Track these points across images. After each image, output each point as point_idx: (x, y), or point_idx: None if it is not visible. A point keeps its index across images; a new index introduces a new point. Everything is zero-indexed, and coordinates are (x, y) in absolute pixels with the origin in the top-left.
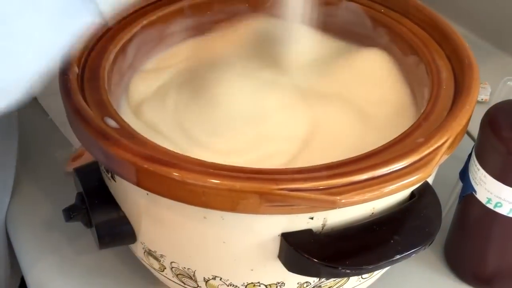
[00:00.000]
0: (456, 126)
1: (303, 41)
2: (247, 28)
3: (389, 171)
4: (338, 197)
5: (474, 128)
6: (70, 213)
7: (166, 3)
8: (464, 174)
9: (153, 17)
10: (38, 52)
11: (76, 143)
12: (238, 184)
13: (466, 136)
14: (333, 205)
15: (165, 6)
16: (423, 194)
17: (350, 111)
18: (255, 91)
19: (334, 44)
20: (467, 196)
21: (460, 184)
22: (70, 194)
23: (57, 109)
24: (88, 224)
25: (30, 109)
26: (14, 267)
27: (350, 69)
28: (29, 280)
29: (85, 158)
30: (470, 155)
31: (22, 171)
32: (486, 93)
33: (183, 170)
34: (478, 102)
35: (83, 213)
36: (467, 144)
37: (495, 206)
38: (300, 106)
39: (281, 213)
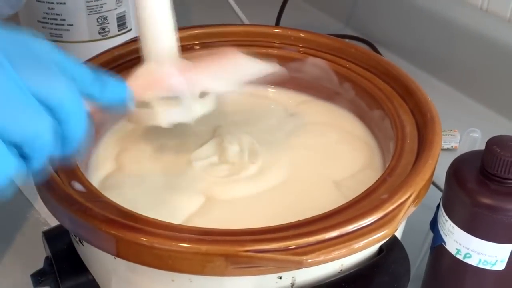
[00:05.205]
0: (420, 181)
1: None
2: None
3: (354, 229)
4: (304, 257)
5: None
6: (38, 278)
7: None
8: (434, 225)
9: None
10: None
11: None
12: (203, 247)
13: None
14: (299, 265)
15: None
16: (391, 248)
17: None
18: None
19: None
20: (438, 247)
21: (431, 233)
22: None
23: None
24: None
25: None
26: None
27: None
28: None
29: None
30: (438, 205)
31: None
32: (455, 141)
33: (149, 235)
34: (447, 149)
35: (52, 277)
36: (438, 193)
37: (465, 257)
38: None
39: (249, 274)
